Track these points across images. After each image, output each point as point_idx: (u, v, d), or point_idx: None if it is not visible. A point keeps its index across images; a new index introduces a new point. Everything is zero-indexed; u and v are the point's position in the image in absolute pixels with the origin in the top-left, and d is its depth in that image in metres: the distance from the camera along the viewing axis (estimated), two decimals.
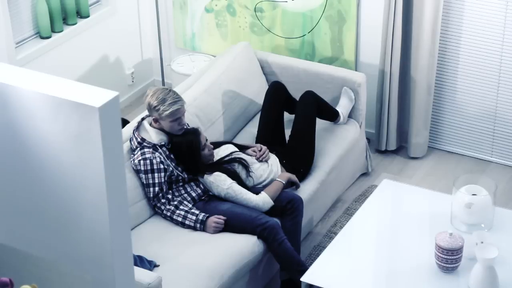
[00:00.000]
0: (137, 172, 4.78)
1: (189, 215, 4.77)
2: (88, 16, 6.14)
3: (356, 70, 6.03)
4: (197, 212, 4.78)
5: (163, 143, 4.81)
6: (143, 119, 4.91)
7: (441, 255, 4.31)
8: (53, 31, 5.92)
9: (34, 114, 2.69)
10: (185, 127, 4.92)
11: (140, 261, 4.47)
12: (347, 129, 5.60)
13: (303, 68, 5.75)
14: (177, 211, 4.79)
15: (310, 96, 5.30)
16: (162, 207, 4.81)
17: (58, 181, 2.75)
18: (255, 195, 4.86)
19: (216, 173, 4.86)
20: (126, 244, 2.83)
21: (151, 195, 4.78)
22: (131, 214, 4.76)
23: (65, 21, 6.03)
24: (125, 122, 5.65)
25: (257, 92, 5.78)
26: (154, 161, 4.74)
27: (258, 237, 4.75)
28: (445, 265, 4.33)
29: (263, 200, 4.84)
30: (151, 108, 4.80)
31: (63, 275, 2.93)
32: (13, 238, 2.97)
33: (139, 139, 4.80)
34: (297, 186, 5.07)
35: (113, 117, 2.62)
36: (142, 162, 4.75)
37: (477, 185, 4.66)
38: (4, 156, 2.83)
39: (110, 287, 2.83)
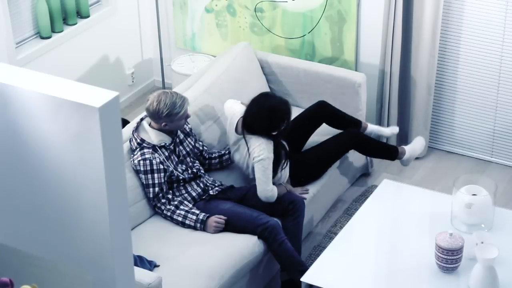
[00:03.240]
0: (137, 172, 4.78)
1: (189, 215, 4.77)
2: (88, 16, 6.14)
3: (356, 70, 6.03)
4: (197, 212, 4.79)
5: (163, 144, 4.81)
6: (142, 119, 4.90)
7: (441, 255, 4.31)
8: (53, 31, 5.92)
9: (34, 114, 2.69)
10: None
11: (140, 261, 4.47)
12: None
13: (303, 68, 5.75)
14: (177, 211, 4.79)
15: (354, 136, 5.29)
16: (162, 207, 4.81)
17: (58, 181, 2.75)
18: (272, 184, 4.89)
19: (269, 140, 4.90)
20: (126, 244, 2.83)
21: (151, 195, 4.78)
22: (131, 214, 4.76)
23: (65, 21, 6.03)
24: (125, 122, 5.65)
25: (257, 92, 5.76)
26: (154, 161, 4.74)
27: (259, 237, 4.75)
28: (445, 265, 4.33)
29: (273, 193, 4.85)
30: (161, 116, 4.72)
31: (63, 275, 2.93)
32: (13, 238, 2.97)
33: (138, 140, 4.80)
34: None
35: (113, 117, 2.62)
36: (142, 162, 4.74)
37: (477, 185, 4.66)
38: (4, 156, 2.83)
39: (110, 287, 2.83)
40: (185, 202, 4.83)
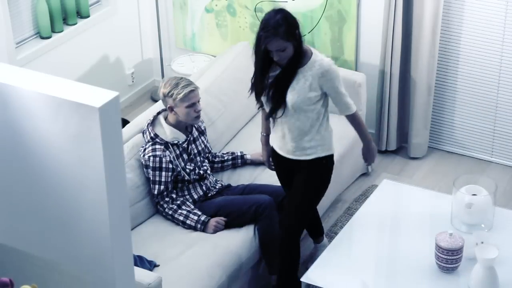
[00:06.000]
0: (145, 167, 4.78)
1: (191, 215, 4.78)
2: (88, 16, 6.14)
3: (356, 70, 6.04)
4: (199, 213, 4.79)
5: (176, 142, 4.81)
6: (159, 113, 4.89)
7: (441, 255, 4.31)
8: (53, 31, 5.92)
9: (34, 114, 2.69)
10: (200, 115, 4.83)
11: (140, 261, 4.48)
12: (348, 128, 5.60)
13: None
14: (179, 211, 4.79)
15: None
16: (165, 205, 4.81)
17: (58, 181, 2.75)
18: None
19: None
20: (126, 244, 2.83)
21: (156, 192, 4.78)
22: (131, 214, 4.76)
23: (65, 21, 6.03)
24: (125, 122, 5.65)
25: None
26: (164, 159, 4.74)
27: (255, 218, 4.73)
28: (445, 265, 4.33)
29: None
30: (165, 97, 4.74)
31: (63, 275, 2.93)
32: (13, 238, 2.97)
33: (152, 134, 4.79)
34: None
35: (113, 117, 2.62)
36: (151, 158, 4.74)
37: (477, 185, 4.66)
38: (4, 156, 2.83)
39: (110, 287, 2.83)
40: (187, 203, 4.84)
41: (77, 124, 2.61)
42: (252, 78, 4.50)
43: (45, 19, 5.81)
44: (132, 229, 4.80)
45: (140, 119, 5.15)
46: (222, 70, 5.62)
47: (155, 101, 6.61)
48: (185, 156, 4.85)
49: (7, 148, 2.81)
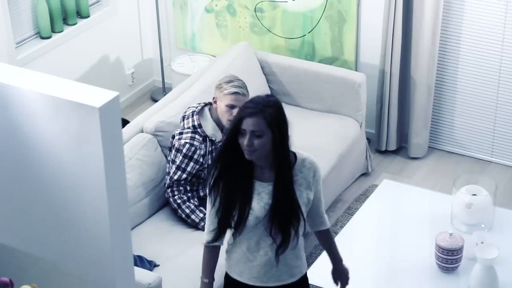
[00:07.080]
0: (176, 150, 4.78)
1: (197, 211, 4.79)
2: (88, 16, 6.14)
3: (356, 70, 6.04)
4: (205, 211, 4.81)
5: (213, 138, 4.82)
6: (205, 104, 4.91)
7: (441, 255, 4.31)
8: (53, 31, 5.92)
9: (34, 114, 2.68)
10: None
11: (140, 261, 4.48)
12: (348, 128, 5.61)
13: (303, 68, 5.76)
14: (187, 203, 4.81)
15: None
16: (176, 193, 4.81)
17: (58, 182, 2.75)
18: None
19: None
20: (126, 244, 2.83)
21: (175, 178, 4.78)
22: (131, 214, 4.76)
23: (65, 21, 6.03)
24: (125, 122, 5.65)
25: (257, 92, 5.76)
26: (198, 151, 4.76)
27: None
28: (445, 265, 4.33)
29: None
30: (216, 87, 4.78)
31: (63, 275, 2.93)
32: (13, 238, 2.97)
33: (196, 123, 4.80)
34: None
35: (113, 117, 2.62)
36: (187, 146, 4.76)
37: (477, 185, 4.66)
38: (4, 156, 2.83)
39: (110, 287, 2.83)
40: (195, 198, 4.86)
41: (77, 124, 2.61)
42: (219, 209, 3.63)
43: (45, 19, 5.81)
44: (132, 229, 4.80)
45: (140, 119, 5.16)
46: (222, 70, 5.62)
47: (155, 101, 6.61)
48: (213, 155, 4.87)
49: (7, 148, 2.81)
